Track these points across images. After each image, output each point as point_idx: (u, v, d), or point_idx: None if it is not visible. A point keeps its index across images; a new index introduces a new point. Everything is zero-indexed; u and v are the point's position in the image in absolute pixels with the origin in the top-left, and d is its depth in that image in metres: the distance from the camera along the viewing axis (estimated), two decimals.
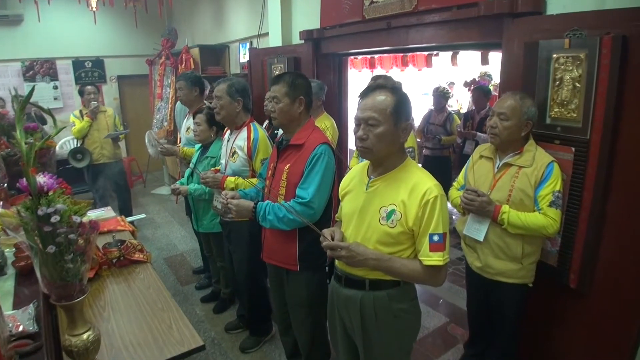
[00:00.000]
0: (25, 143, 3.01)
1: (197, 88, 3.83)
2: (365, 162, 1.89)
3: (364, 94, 1.70)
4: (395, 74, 7.84)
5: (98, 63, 8.04)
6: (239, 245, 2.95)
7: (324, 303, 2.50)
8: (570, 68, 2.23)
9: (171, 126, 7.11)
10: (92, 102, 5.04)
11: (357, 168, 1.93)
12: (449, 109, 5.88)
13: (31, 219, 1.36)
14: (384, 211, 1.69)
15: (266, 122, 4.24)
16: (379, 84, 1.73)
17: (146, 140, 6.19)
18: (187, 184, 3.35)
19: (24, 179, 1.36)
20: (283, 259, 2.36)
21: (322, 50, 4.34)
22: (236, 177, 2.82)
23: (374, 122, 1.64)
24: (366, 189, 1.77)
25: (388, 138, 1.65)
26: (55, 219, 1.33)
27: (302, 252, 2.30)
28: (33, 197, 1.35)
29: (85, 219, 1.47)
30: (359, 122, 1.68)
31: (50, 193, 1.40)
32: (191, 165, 3.37)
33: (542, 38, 2.36)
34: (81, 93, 5.16)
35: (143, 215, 3.72)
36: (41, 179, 1.37)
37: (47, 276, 1.44)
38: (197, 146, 3.51)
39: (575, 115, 2.24)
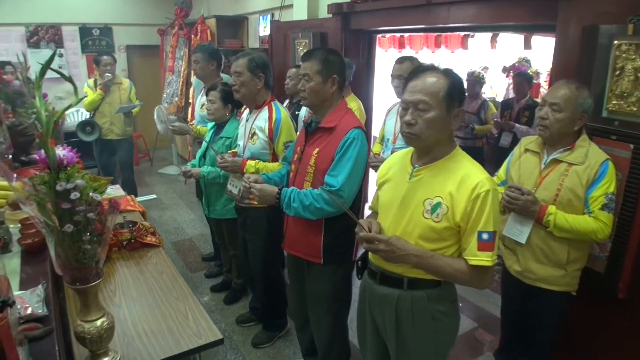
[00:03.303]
0: (34, 113, 3.02)
1: (214, 62, 3.80)
2: (408, 150, 1.86)
3: (414, 75, 1.67)
4: (426, 55, 7.74)
5: (106, 31, 8.04)
6: (256, 234, 2.94)
7: (346, 299, 2.50)
8: (633, 57, 2.16)
9: (182, 101, 7.12)
10: (107, 74, 5.04)
11: (398, 155, 1.90)
12: (483, 96, 5.80)
13: (48, 195, 1.34)
14: (429, 204, 1.67)
15: (286, 102, 4.21)
16: (430, 65, 1.69)
17: (155, 116, 6.20)
18: (199, 166, 3.34)
19: (42, 151, 1.34)
20: (306, 250, 2.35)
21: (351, 26, 4.29)
22: (256, 160, 2.80)
23: (424, 107, 1.61)
24: (409, 179, 1.74)
25: (438, 124, 1.62)
26: (74, 195, 1.32)
27: (327, 243, 2.29)
28: (52, 170, 1.33)
29: (104, 198, 1.46)
30: (407, 105, 1.65)
31: (69, 168, 1.38)
32: (204, 142, 3.35)
33: (602, 22, 2.28)
34: (97, 63, 5.15)
35: (154, 196, 3.74)
36: (60, 151, 1.35)
37: (62, 256, 1.44)
38: (210, 124, 3.50)
39: (635, 109, 2.17)
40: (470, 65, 8.14)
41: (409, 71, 3.03)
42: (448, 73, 1.65)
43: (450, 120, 1.65)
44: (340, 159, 2.14)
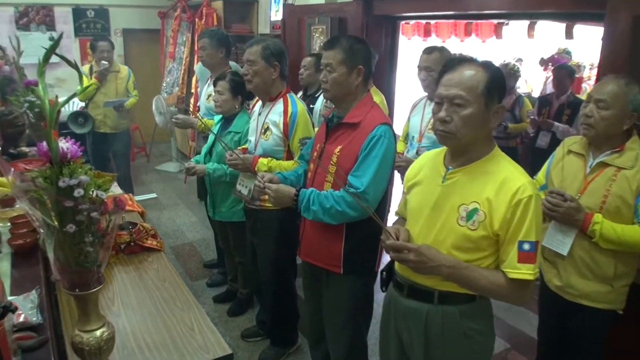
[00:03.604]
0: (26, 101, 3.05)
1: (223, 49, 3.83)
2: (440, 150, 1.86)
3: (450, 67, 1.68)
4: (453, 45, 7.74)
5: (102, 13, 8.10)
6: (266, 239, 2.96)
7: (367, 313, 2.51)
8: None
9: (183, 91, 7.18)
10: (102, 62, 5.10)
11: (429, 156, 1.90)
12: (518, 90, 5.78)
13: (49, 192, 1.36)
14: (464, 210, 1.67)
15: (300, 94, 4.23)
16: (467, 56, 1.70)
17: (153, 107, 6.24)
18: (204, 163, 3.36)
19: (44, 143, 1.36)
20: (324, 258, 2.36)
21: (374, 11, 4.30)
22: (269, 158, 2.82)
23: (460, 102, 1.62)
24: (442, 182, 1.75)
25: (476, 122, 1.63)
26: (78, 192, 1.34)
27: (349, 251, 2.30)
28: (54, 165, 1.35)
29: (108, 196, 1.48)
30: (441, 100, 1.66)
31: (72, 162, 1.40)
32: (211, 136, 3.37)
33: None
34: (93, 48, 5.21)
35: (154, 195, 3.77)
36: (63, 144, 1.37)
37: (61, 259, 1.45)
38: (217, 117, 3.53)
39: None
40: (503, 56, 8.12)
41: (439, 63, 3.10)
42: (487, 66, 1.65)
43: (488, 118, 1.65)
44: (365, 158, 2.15)
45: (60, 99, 1.40)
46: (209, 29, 4.21)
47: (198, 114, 4.01)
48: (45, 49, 1.36)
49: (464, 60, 1.67)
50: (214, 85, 3.36)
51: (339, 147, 2.25)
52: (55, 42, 1.35)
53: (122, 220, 2.74)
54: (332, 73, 2.24)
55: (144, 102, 6.16)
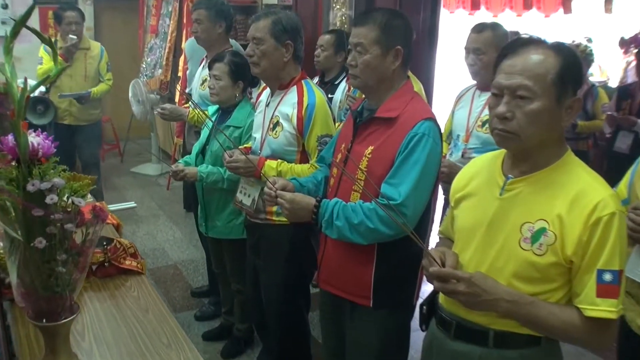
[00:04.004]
0: None
1: (223, 22, 3.87)
2: (497, 153, 1.87)
3: (511, 50, 1.68)
4: (509, 20, 7.73)
5: None
6: (273, 261, 2.97)
7: (401, 356, 2.51)
8: None
9: (167, 75, 7.23)
10: (70, 37, 5.16)
11: (482, 161, 1.91)
12: (590, 79, 5.77)
13: (15, 197, 1.39)
14: (529, 230, 1.67)
15: (316, 80, 4.26)
16: (534, 37, 1.70)
17: (130, 94, 6.29)
18: (196, 165, 3.40)
19: (9, 137, 1.39)
20: (350, 287, 2.37)
21: None
22: (279, 160, 2.84)
23: (525, 94, 1.62)
24: (500, 194, 1.76)
25: (545, 119, 1.63)
26: (51, 199, 1.37)
27: (381, 279, 2.30)
28: (22, 164, 1.39)
29: (85, 203, 1.51)
30: (500, 91, 1.67)
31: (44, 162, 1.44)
32: (204, 132, 3.38)
33: None
34: (58, 18, 5.28)
35: (133, 204, 3.79)
36: (34, 138, 1.40)
37: (26, 282, 1.48)
38: (211, 108, 3.56)
39: None
40: (572, 35, 8.10)
41: (491, 44, 3.12)
42: (559, 48, 1.65)
43: (560, 114, 1.65)
44: (404, 162, 2.16)
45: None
46: None
47: (190, 102, 4.03)
48: (13, 20, 1.39)
49: (530, 42, 1.67)
50: (210, 68, 3.39)
51: (371, 148, 2.26)
52: (26, 13, 1.39)
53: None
54: (364, 55, 2.25)
55: (119, 88, 6.25)
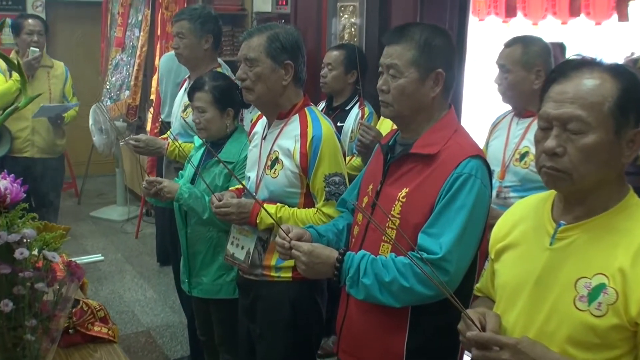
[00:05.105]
0: None
1: (209, 37, 3.95)
2: (545, 195, 1.91)
3: (561, 74, 1.71)
4: (550, 29, 7.77)
5: None
6: (272, 326, 2.96)
7: None
8: None
9: (136, 98, 7.22)
10: (32, 49, 5.23)
11: (528, 205, 1.93)
12: None
13: None
14: (585, 286, 1.68)
15: (322, 106, 4.30)
16: (586, 58, 1.73)
17: (90, 122, 6.31)
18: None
19: None
20: (378, 358, 2.37)
21: None
22: (278, 204, 2.87)
23: (578, 126, 1.64)
24: (550, 243, 1.77)
25: (602, 155, 1.65)
26: (21, 253, 1.42)
27: (414, 350, 2.29)
28: None
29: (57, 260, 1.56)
30: (548, 123, 1.70)
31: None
32: (187, 168, 3.41)
33: None
34: (16, 29, 5.37)
35: (100, 257, 3.81)
36: (0, 182, 1.46)
37: None
38: (198, 141, 3.60)
39: None
40: (628, 46, 8.15)
41: (518, 62, 3.22)
42: (618, 72, 1.68)
43: (620, 149, 1.67)
44: (446, 208, 2.17)
45: None
46: (189, 7, 4.30)
47: (169, 133, 4.05)
48: None
49: (583, 64, 1.70)
50: (190, 99, 3.44)
51: (405, 191, 2.27)
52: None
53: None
54: (398, 78, 2.28)
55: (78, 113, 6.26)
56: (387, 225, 2.30)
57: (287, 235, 2.32)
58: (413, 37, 2.28)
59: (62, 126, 5.52)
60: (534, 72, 3.21)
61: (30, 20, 5.32)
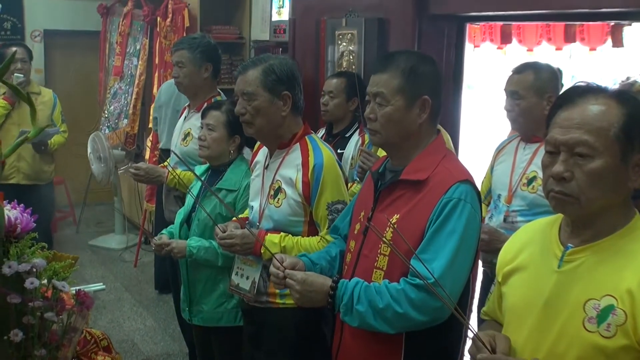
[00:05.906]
0: None
1: (208, 66, 3.97)
2: (552, 219, 1.91)
3: (567, 100, 1.74)
4: (546, 54, 7.81)
5: (14, 6, 8.32)
6: (277, 354, 2.96)
7: None
8: None
9: (135, 127, 7.23)
10: (16, 75, 5.24)
11: (535, 228, 1.94)
12: None
13: None
14: (594, 307, 1.69)
15: (322, 133, 4.31)
16: (593, 85, 1.76)
17: (89, 150, 6.31)
18: (180, 236, 3.42)
19: None
20: None
21: (429, 9, 4.41)
22: (282, 234, 2.87)
23: (585, 151, 1.66)
24: (558, 266, 1.78)
25: (608, 180, 1.67)
26: (31, 283, 1.41)
27: None
28: None
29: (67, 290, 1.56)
30: (556, 148, 1.72)
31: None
32: (187, 198, 3.40)
33: None
34: (0, 58, 5.36)
35: (102, 286, 3.79)
36: (10, 212, 1.46)
37: None
38: (200, 169, 3.60)
39: None
40: (624, 70, 8.19)
41: (530, 88, 3.22)
42: (623, 97, 1.70)
43: (627, 174, 1.69)
44: (437, 233, 2.18)
45: None
46: (188, 36, 4.31)
47: (168, 162, 4.05)
48: None
49: (588, 90, 1.73)
50: (203, 117, 3.44)
51: (396, 217, 2.28)
52: (8, 61, 1.46)
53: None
54: (385, 107, 2.30)
55: (74, 142, 6.25)
56: (379, 251, 2.31)
57: (281, 264, 2.32)
58: (399, 65, 2.31)
59: (47, 152, 5.50)
60: (546, 98, 3.22)
61: (14, 48, 5.32)
